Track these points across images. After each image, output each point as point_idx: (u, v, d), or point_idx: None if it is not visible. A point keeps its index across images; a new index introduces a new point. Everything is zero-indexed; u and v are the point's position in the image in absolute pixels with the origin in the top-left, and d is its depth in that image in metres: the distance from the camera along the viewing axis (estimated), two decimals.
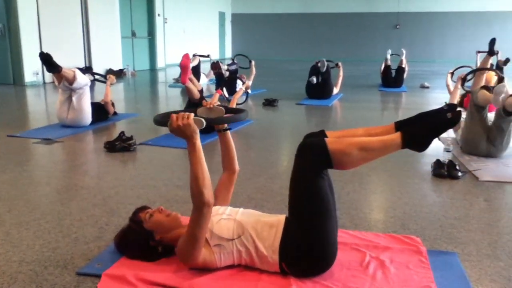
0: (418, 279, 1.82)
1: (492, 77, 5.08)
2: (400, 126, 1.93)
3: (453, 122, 1.80)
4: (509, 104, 3.41)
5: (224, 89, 6.83)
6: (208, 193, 1.66)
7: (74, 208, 2.59)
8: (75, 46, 10.03)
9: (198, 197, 1.66)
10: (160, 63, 13.63)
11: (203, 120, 1.69)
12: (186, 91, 4.64)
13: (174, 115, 1.66)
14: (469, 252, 2.08)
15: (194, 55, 9.05)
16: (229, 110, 2.11)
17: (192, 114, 1.66)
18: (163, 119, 1.75)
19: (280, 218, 1.86)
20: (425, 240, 2.18)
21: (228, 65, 7.51)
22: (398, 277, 1.83)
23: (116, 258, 1.94)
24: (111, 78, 5.66)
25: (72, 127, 4.78)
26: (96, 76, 5.93)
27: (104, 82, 5.64)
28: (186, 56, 4.43)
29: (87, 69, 8.01)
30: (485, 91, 3.63)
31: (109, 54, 11.15)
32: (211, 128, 2.18)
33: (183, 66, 4.40)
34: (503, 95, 3.42)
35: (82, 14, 10.14)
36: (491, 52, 4.69)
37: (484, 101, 3.62)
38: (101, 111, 5.20)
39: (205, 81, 9.05)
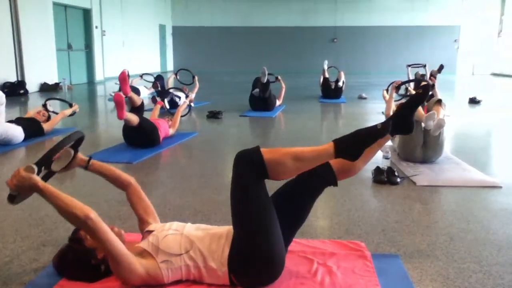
0: (364, 283, 1.86)
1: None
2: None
3: (382, 134, 1.88)
4: (419, 115, 3.72)
5: (166, 100, 6.74)
6: (79, 209, 1.62)
7: (7, 229, 2.43)
8: (5, 59, 9.51)
9: (75, 219, 1.62)
10: (98, 76, 13.22)
11: (31, 165, 1.71)
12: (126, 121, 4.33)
13: (8, 180, 1.69)
14: (411, 254, 2.16)
15: (142, 76, 8.88)
16: (76, 149, 2.02)
17: (22, 168, 1.69)
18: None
19: (229, 229, 1.84)
20: (369, 245, 2.25)
21: (166, 98, 7.34)
22: (345, 282, 1.86)
23: (55, 280, 1.84)
24: (76, 106, 5.58)
25: (3, 145, 4.51)
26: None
27: (70, 106, 5.54)
28: (117, 94, 4.17)
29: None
30: (422, 114, 3.79)
31: (44, 67, 10.68)
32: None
33: (117, 102, 4.06)
34: (434, 122, 3.65)
35: (13, 25, 9.64)
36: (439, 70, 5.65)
37: (417, 118, 3.78)
38: (35, 127, 4.94)
39: (146, 94, 8.88)
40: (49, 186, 1.69)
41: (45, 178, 1.94)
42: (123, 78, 4.50)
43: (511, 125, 6.27)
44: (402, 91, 6.94)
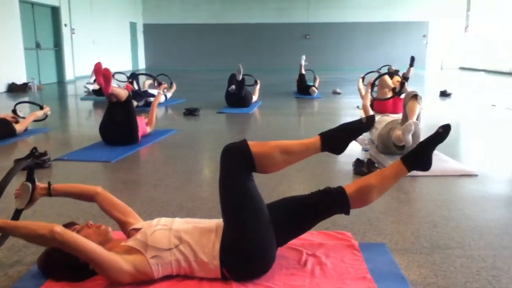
0: (353, 271, 1.88)
1: (395, 81, 5.58)
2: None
3: (367, 128, 1.95)
4: (396, 138, 3.52)
5: (135, 82, 6.70)
6: (42, 228, 1.61)
7: None
8: None
9: (44, 239, 1.61)
10: (69, 76, 12.92)
11: None
12: (113, 97, 4.17)
13: None
14: (396, 242, 2.20)
15: (113, 75, 8.67)
16: (33, 179, 2.02)
17: None
18: None
19: (218, 223, 1.83)
20: (355, 234, 2.27)
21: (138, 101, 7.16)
22: (335, 271, 1.88)
23: (40, 282, 1.78)
24: (47, 109, 5.43)
25: None
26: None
27: (41, 108, 5.40)
28: (105, 69, 3.92)
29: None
30: (398, 134, 3.54)
31: (11, 67, 10.35)
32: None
33: (104, 76, 3.88)
34: (411, 134, 3.41)
35: None
36: (411, 64, 5.77)
37: (399, 141, 3.59)
38: (6, 127, 4.79)
39: None
40: (9, 221, 1.71)
41: (15, 218, 1.95)
42: (98, 69, 4.32)
43: (480, 116, 6.46)
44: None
